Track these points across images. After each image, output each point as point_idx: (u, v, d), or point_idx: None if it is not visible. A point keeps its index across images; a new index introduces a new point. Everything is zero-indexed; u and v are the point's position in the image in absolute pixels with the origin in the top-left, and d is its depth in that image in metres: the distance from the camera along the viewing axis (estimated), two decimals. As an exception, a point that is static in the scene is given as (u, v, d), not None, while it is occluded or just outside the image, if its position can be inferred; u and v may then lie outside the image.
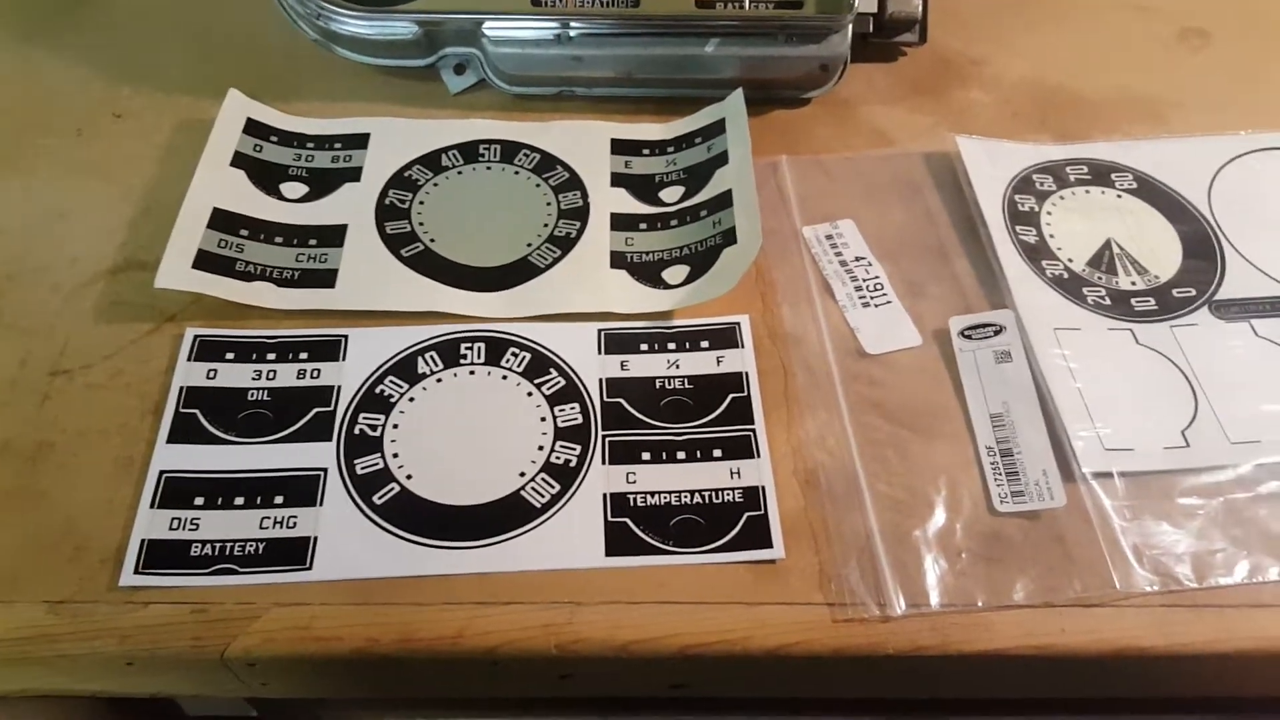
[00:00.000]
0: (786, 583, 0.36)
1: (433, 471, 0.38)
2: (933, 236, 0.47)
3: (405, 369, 0.41)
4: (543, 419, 0.40)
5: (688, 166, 0.49)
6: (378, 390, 0.41)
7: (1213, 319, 0.44)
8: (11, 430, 0.39)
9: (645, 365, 0.42)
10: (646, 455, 0.39)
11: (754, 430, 0.40)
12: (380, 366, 0.41)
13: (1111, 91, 0.54)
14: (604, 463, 0.39)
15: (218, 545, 0.36)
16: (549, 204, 0.48)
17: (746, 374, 0.42)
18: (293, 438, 0.39)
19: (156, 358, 0.42)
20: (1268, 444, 0.40)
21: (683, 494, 0.38)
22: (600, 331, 0.43)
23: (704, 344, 0.43)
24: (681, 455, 0.39)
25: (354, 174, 0.48)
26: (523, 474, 0.38)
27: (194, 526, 0.37)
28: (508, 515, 0.37)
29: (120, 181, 0.48)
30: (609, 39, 0.50)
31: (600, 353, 0.42)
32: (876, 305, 0.44)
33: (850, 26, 0.49)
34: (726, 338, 0.43)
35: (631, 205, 0.48)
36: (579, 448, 0.39)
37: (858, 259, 0.45)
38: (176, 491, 0.38)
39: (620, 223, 0.47)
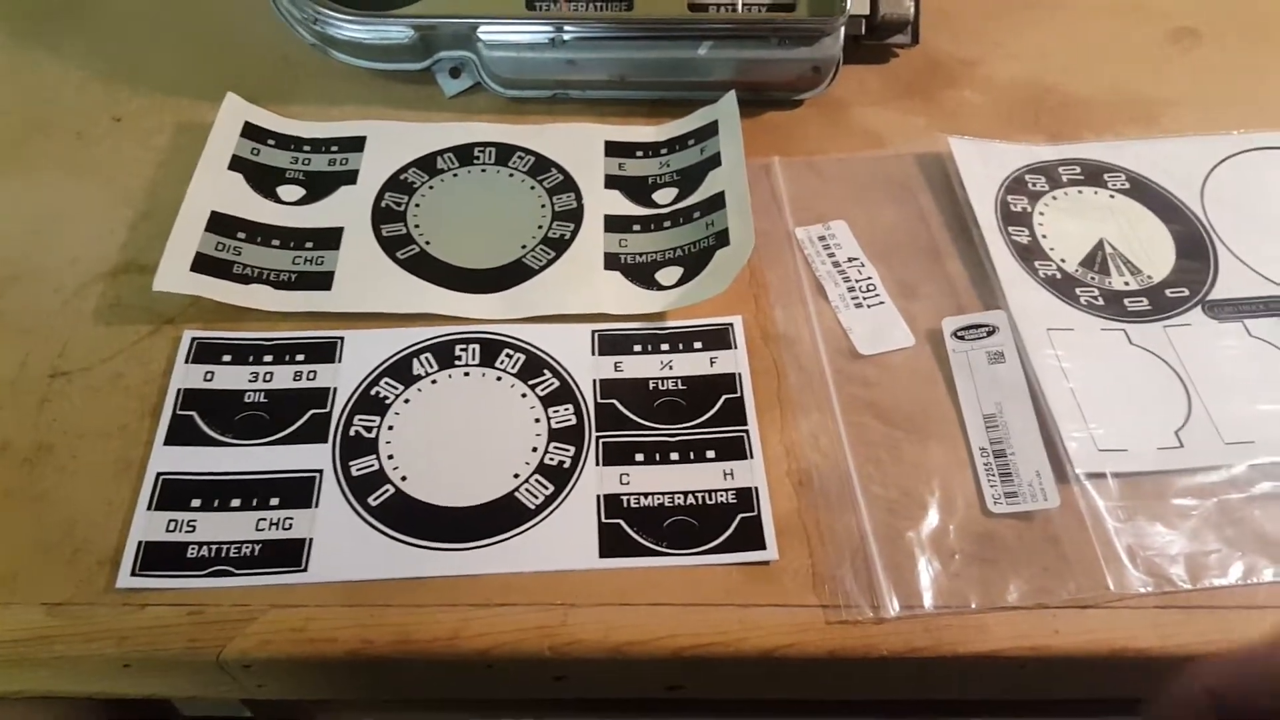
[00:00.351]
0: (780, 584, 0.36)
1: (427, 473, 0.39)
2: (925, 237, 0.47)
3: (400, 371, 0.41)
4: (537, 420, 0.40)
5: (681, 168, 0.49)
6: (373, 392, 0.41)
7: (1206, 319, 0.44)
8: (11, 432, 0.40)
9: (639, 366, 0.42)
10: (640, 456, 0.39)
11: (747, 431, 0.40)
12: (376, 368, 0.41)
13: (1103, 92, 0.54)
14: (598, 464, 0.39)
15: (214, 547, 0.36)
16: (543, 206, 0.48)
17: (739, 375, 0.42)
18: (289, 439, 0.39)
19: (155, 360, 0.42)
20: (1261, 444, 0.40)
21: (676, 495, 0.38)
22: (594, 333, 0.43)
23: (697, 345, 0.43)
24: (675, 456, 0.39)
25: (350, 177, 0.49)
26: (517, 475, 0.39)
27: (191, 528, 0.37)
28: (502, 517, 0.37)
29: (119, 184, 0.49)
30: (603, 42, 0.50)
31: (594, 354, 0.42)
32: (869, 306, 0.44)
33: (842, 29, 0.49)
34: (720, 339, 0.43)
35: (625, 207, 0.48)
36: (573, 449, 0.39)
37: (850, 260, 0.46)
38: (174, 493, 0.38)
39: (614, 224, 0.47)
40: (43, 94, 0.53)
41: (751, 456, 0.39)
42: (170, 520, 0.37)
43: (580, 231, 0.47)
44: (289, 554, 0.36)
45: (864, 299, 0.44)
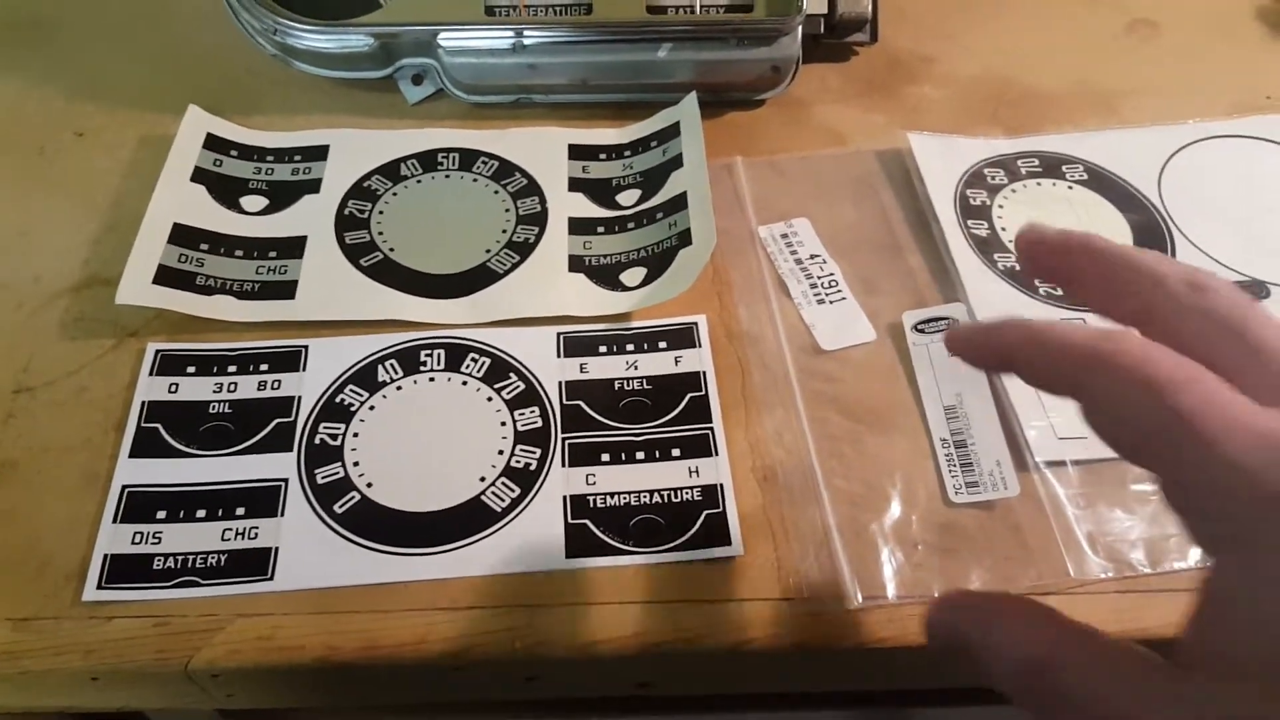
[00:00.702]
0: (745, 579, 0.37)
1: (393, 479, 0.39)
2: (886, 233, 0.47)
3: (365, 377, 0.42)
4: (503, 424, 0.40)
5: (644, 170, 0.50)
6: (338, 399, 0.41)
7: (1163, 306, 0.44)
8: (-26, 450, 0.40)
9: (604, 367, 0.42)
10: (606, 456, 0.40)
11: (712, 429, 0.40)
12: (340, 376, 0.42)
13: (1062, 84, 0.54)
14: (564, 465, 0.39)
15: (180, 558, 0.36)
16: (507, 210, 0.48)
17: (704, 373, 0.42)
18: (253, 449, 0.39)
19: (119, 373, 0.42)
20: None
21: (642, 494, 0.39)
22: (560, 335, 0.43)
23: (662, 344, 0.43)
24: (641, 455, 0.40)
25: (313, 186, 0.49)
26: (483, 479, 0.39)
27: (156, 540, 0.37)
28: (468, 520, 0.38)
29: (83, 199, 0.49)
30: (563, 47, 0.50)
31: (560, 356, 0.43)
32: (831, 302, 0.44)
33: (800, 28, 0.50)
34: (684, 338, 0.43)
35: (589, 209, 0.48)
36: (539, 451, 0.40)
37: (813, 257, 0.46)
38: (139, 506, 0.38)
39: (578, 227, 0.48)
40: (4, 111, 0.53)
41: (717, 454, 0.40)
42: (136, 532, 0.37)
43: (545, 235, 0.47)
44: (255, 563, 0.36)
45: (826, 295, 0.45)
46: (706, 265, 0.44)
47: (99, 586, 0.36)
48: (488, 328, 0.43)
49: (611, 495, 0.38)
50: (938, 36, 0.57)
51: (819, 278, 0.45)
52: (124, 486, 0.38)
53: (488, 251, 0.46)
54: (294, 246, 0.46)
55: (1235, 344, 0.23)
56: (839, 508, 0.38)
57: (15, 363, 0.42)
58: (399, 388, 0.41)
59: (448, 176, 0.49)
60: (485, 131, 0.51)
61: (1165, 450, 0.22)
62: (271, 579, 0.36)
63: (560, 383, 0.42)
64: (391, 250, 0.46)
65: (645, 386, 0.42)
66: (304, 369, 0.42)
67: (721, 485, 0.39)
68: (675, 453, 0.40)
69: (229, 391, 0.41)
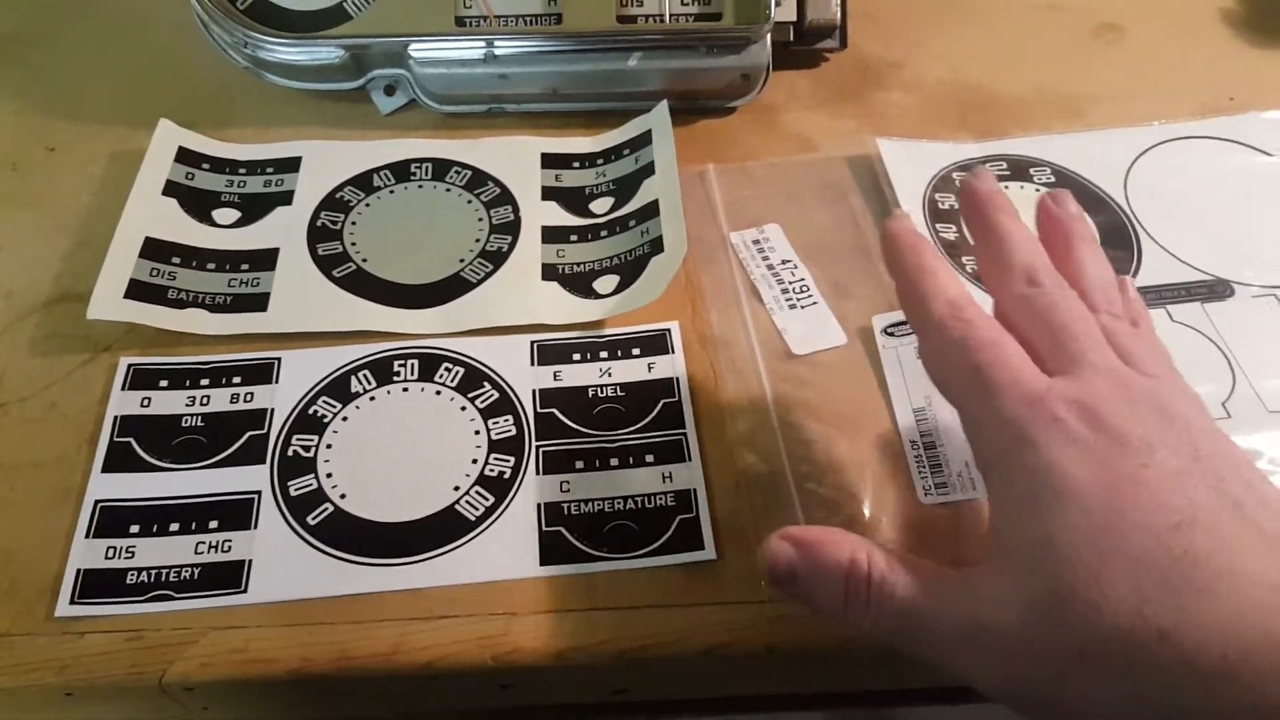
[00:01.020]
0: (719, 583, 0.37)
1: (366, 490, 0.39)
2: (857, 237, 0.48)
3: (338, 388, 0.42)
4: (477, 433, 0.41)
5: (617, 178, 0.50)
6: (311, 411, 0.41)
7: (1129, 307, 0.45)
8: (-55, 467, 0.40)
9: (578, 375, 0.43)
10: (580, 464, 0.40)
11: (685, 434, 0.41)
12: (313, 387, 0.42)
13: (1029, 89, 0.55)
14: (538, 473, 0.40)
15: (153, 572, 0.36)
16: (480, 220, 0.48)
17: (677, 379, 0.42)
18: (226, 462, 0.39)
19: (92, 388, 0.42)
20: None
21: (616, 500, 0.39)
22: (533, 343, 0.44)
23: (635, 351, 0.43)
24: (614, 462, 0.40)
25: (286, 198, 0.49)
26: (457, 488, 0.39)
27: (129, 554, 0.37)
28: (442, 530, 0.38)
29: (55, 214, 0.49)
30: (534, 56, 0.51)
31: (533, 364, 0.43)
32: (803, 306, 0.45)
33: (769, 36, 0.50)
34: (657, 344, 0.44)
35: (562, 218, 0.49)
36: (513, 459, 0.40)
37: (784, 262, 0.46)
38: (112, 520, 0.38)
39: (551, 235, 0.48)
40: (-24, 128, 0.53)
41: (690, 459, 0.40)
42: (109, 547, 0.37)
43: (518, 243, 0.47)
44: (228, 576, 0.36)
45: (798, 300, 0.45)
46: (679, 272, 0.44)
47: (72, 602, 0.36)
48: (461, 337, 0.44)
49: (585, 502, 0.39)
50: (906, 42, 0.58)
51: (790, 283, 0.45)
52: (97, 501, 0.38)
53: (461, 261, 0.46)
54: (266, 259, 0.46)
55: (1044, 327, 0.31)
56: (811, 511, 0.38)
57: (-13, 379, 0.42)
58: (372, 398, 0.42)
59: (421, 187, 0.50)
60: (458, 141, 0.52)
61: (963, 393, 0.31)
62: (245, 591, 0.36)
63: (534, 391, 0.42)
64: (364, 261, 0.46)
65: (619, 393, 0.42)
66: (277, 381, 0.42)
67: (695, 490, 0.39)
68: (649, 459, 0.40)
69: (201, 405, 0.41)
